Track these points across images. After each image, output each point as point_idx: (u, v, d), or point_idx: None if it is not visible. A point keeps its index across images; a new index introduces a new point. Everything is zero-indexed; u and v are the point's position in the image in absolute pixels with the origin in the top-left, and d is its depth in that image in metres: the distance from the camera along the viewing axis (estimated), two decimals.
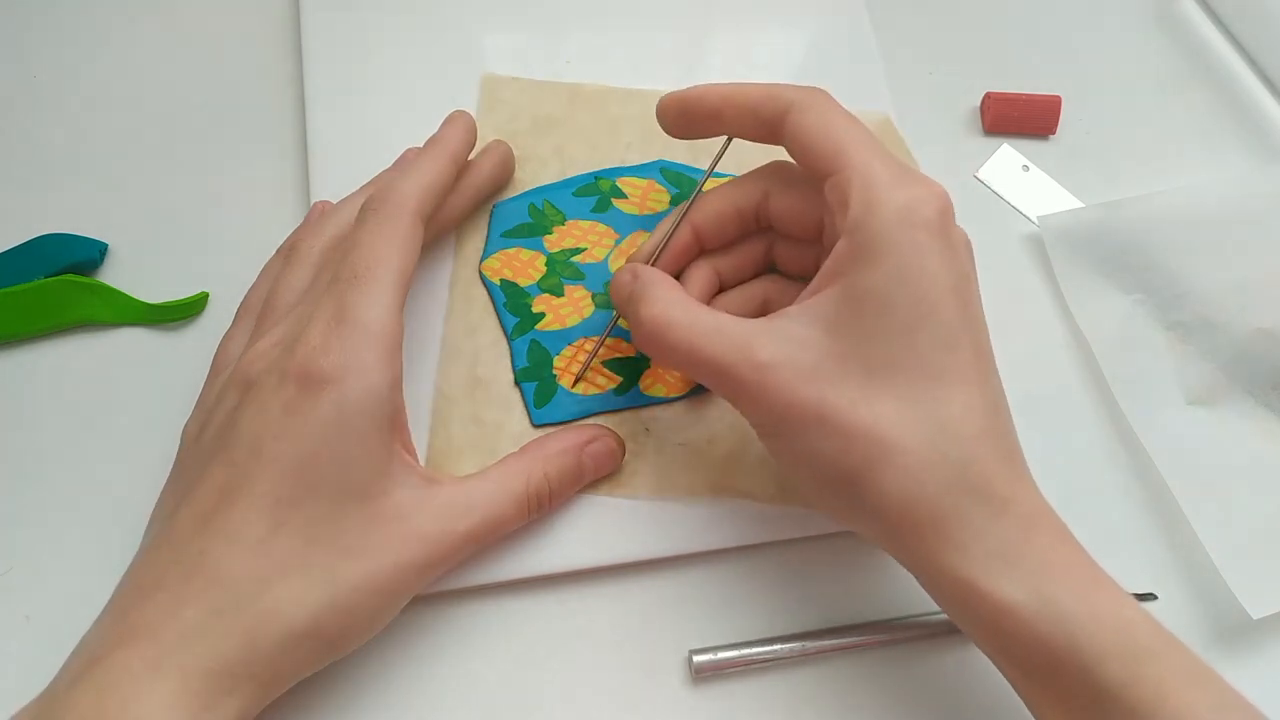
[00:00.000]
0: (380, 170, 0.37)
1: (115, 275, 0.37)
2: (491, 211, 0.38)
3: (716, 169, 0.34)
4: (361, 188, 0.36)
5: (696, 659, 0.32)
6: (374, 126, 0.39)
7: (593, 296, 0.37)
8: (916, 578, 0.29)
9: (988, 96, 0.44)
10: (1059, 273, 0.41)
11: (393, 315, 0.29)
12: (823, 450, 0.28)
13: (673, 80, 0.33)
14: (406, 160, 0.37)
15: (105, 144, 0.40)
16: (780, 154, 0.32)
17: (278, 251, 0.35)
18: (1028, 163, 0.44)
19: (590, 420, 0.35)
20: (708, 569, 0.34)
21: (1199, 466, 0.37)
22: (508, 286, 0.37)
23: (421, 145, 0.35)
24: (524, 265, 0.37)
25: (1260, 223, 0.42)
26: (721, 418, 0.35)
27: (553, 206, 0.38)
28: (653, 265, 0.33)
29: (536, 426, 0.35)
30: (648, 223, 0.38)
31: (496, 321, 0.36)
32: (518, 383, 0.35)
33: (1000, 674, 0.29)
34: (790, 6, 0.45)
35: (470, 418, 0.35)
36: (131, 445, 0.34)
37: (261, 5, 0.43)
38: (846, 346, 0.28)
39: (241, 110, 0.41)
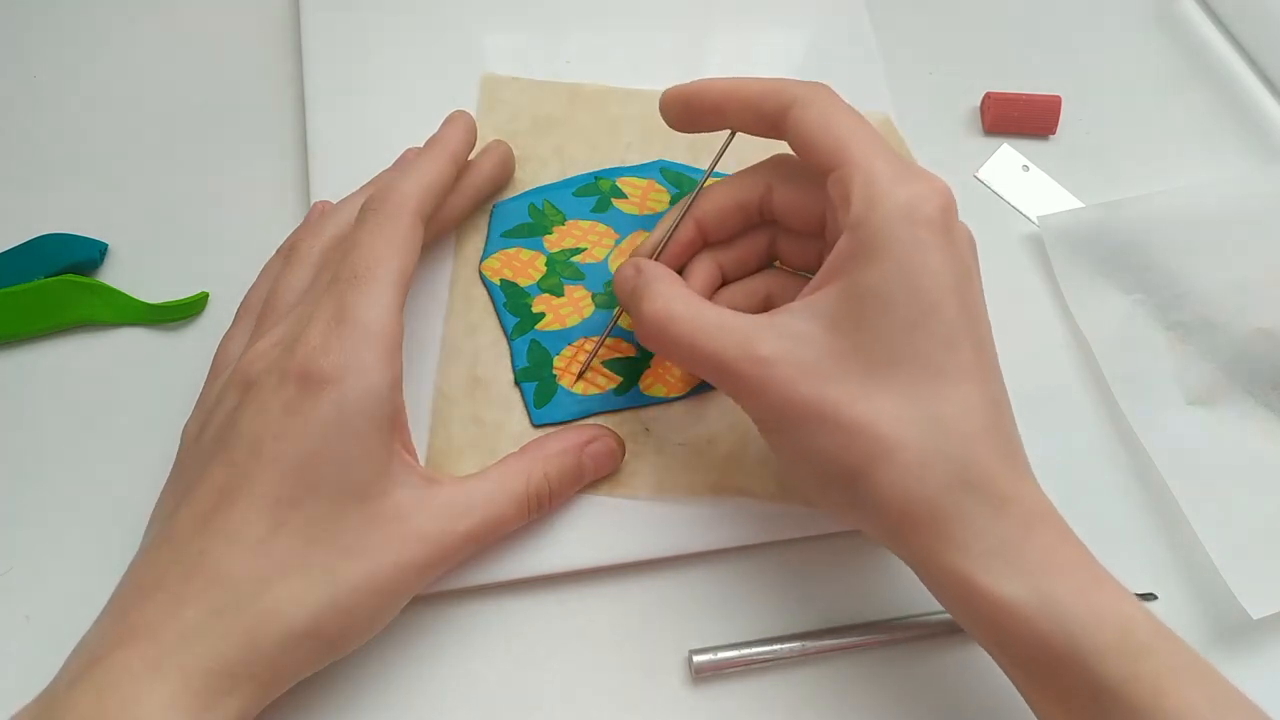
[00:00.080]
0: (380, 170, 0.37)
1: (115, 275, 0.37)
2: (491, 211, 0.38)
3: (717, 167, 0.34)
4: (361, 188, 0.36)
5: (696, 659, 0.32)
6: (374, 126, 0.39)
7: (593, 296, 0.37)
8: (917, 575, 0.29)
9: (988, 96, 0.44)
10: (1059, 273, 0.41)
11: (393, 315, 0.29)
12: (823, 447, 0.28)
13: (672, 80, 0.33)
14: (406, 160, 0.37)
15: (105, 144, 0.40)
16: (781, 148, 0.32)
17: (278, 251, 0.35)
18: (1028, 163, 0.44)
19: (590, 420, 0.35)
20: (708, 569, 0.34)
21: (1199, 466, 0.37)
22: (508, 286, 0.37)
23: (421, 145, 0.35)
24: (524, 265, 0.37)
25: (1260, 223, 0.42)
26: (721, 418, 0.35)
27: (553, 206, 0.38)
28: (656, 259, 0.33)
29: (536, 426, 0.35)
30: (648, 223, 0.38)
31: (496, 321, 0.36)
32: (518, 383, 0.35)
33: (1000, 674, 0.29)
34: (790, 6, 0.45)
35: (470, 418, 0.35)
36: (131, 445, 0.34)
37: (261, 5, 0.43)
38: (848, 343, 0.28)
39: (241, 110, 0.41)
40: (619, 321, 0.36)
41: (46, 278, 0.36)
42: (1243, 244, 0.41)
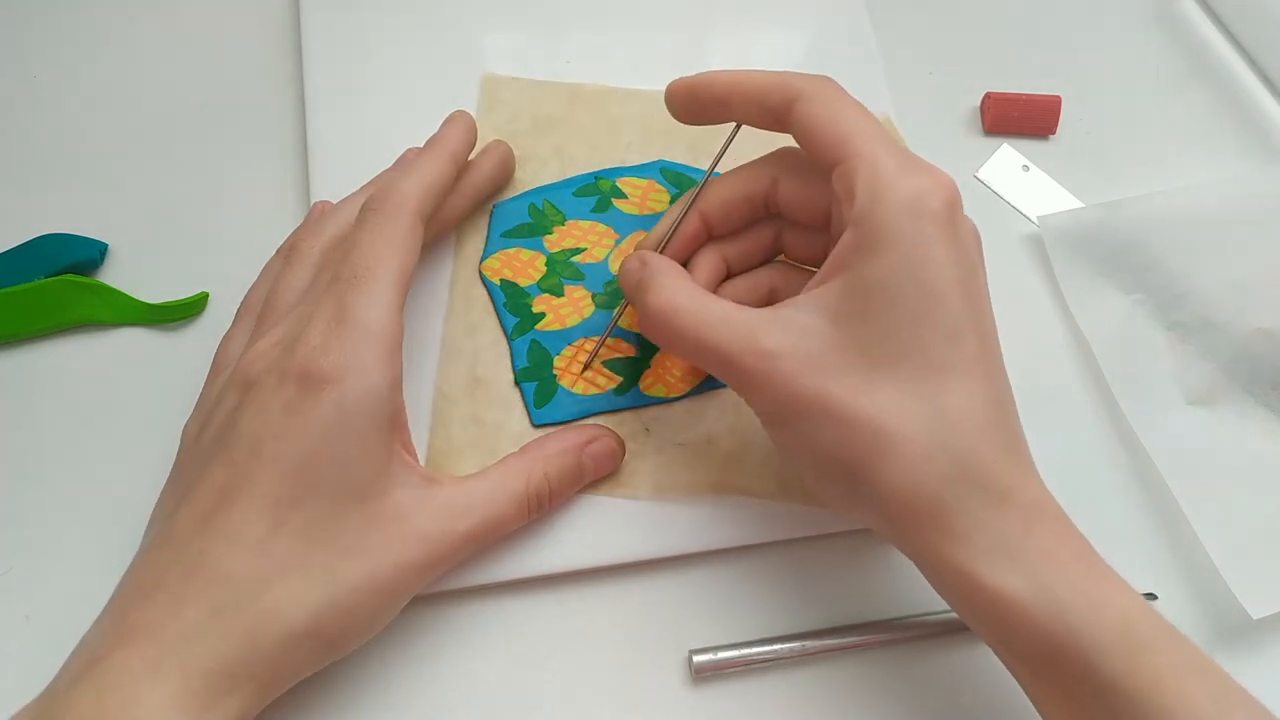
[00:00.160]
0: (380, 170, 0.37)
1: (115, 275, 0.37)
2: (491, 211, 0.38)
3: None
4: (361, 188, 0.36)
5: (696, 659, 0.32)
6: (374, 126, 0.39)
7: (593, 296, 0.37)
8: (919, 569, 0.29)
9: (988, 96, 0.44)
10: (1059, 273, 0.41)
11: (393, 315, 0.29)
12: (825, 440, 0.28)
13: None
14: (406, 160, 0.37)
15: (105, 144, 0.40)
16: (785, 141, 0.32)
17: (278, 251, 0.35)
18: (1028, 163, 0.44)
19: (590, 420, 0.35)
20: (708, 569, 0.34)
21: (1199, 466, 0.37)
22: (508, 286, 0.37)
23: (421, 145, 0.35)
24: (524, 265, 0.37)
25: (1260, 223, 0.42)
26: (721, 418, 0.35)
27: (553, 206, 0.38)
28: (661, 252, 0.33)
29: (536, 426, 0.35)
30: (647, 223, 0.38)
31: (496, 321, 0.36)
32: (518, 383, 0.35)
33: (1000, 673, 0.29)
34: (790, 6, 0.45)
35: (470, 418, 0.35)
36: (131, 445, 0.34)
37: (261, 5, 0.43)
38: (851, 337, 0.28)
39: (241, 110, 0.41)
40: (619, 321, 0.36)
41: (46, 278, 0.36)
42: (1243, 244, 0.41)
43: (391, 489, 0.29)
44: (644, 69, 0.41)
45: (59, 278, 0.36)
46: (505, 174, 0.38)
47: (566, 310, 0.37)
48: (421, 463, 0.34)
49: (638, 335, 0.36)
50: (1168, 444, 0.37)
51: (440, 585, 0.31)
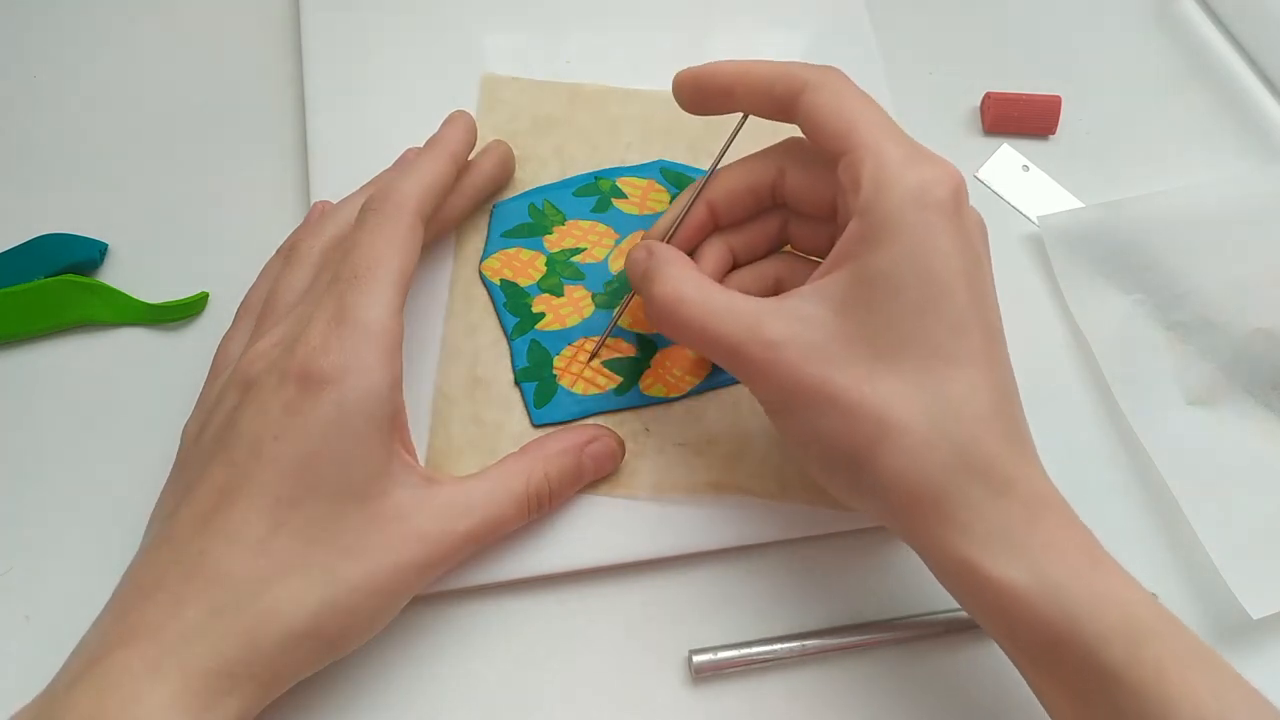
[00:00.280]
0: (380, 170, 0.37)
1: (115, 275, 0.37)
2: (491, 211, 0.38)
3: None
4: (361, 188, 0.36)
5: (696, 659, 0.32)
6: (374, 126, 0.39)
7: (593, 296, 0.37)
8: (922, 558, 0.29)
9: (988, 96, 0.44)
10: (1059, 273, 0.41)
11: (393, 315, 0.29)
12: (829, 429, 0.28)
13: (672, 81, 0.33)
14: (406, 160, 0.37)
15: (105, 144, 0.40)
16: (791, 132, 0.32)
17: (278, 251, 0.35)
18: (1028, 163, 0.44)
19: (590, 420, 0.35)
20: (708, 569, 0.34)
21: (1199, 466, 0.37)
22: (508, 286, 0.37)
23: (421, 145, 0.35)
24: (524, 265, 0.37)
25: (1260, 223, 0.42)
26: (721, 418, 0.35)
27: (553, 206, 0.38)
28: (668, 242, 0.33)
29: (536, 426, 0.35)
30: (647, 223, 0.38)
31: (496, 321, 0.36)
32: (518, 383, 0.35)
33: (999, 673, 0.29)
34: (790, 6, 0.45)
35: (470, 418, 0.35)
36: (131, 445, 0.34)
37: (261, 5, 0.43)
38: (856, 327, 0.28)
39: (241, 110, 0.41)
40: (619, 321, 0.36)
41: (46, 278, 0.36)
42: (1243, 244, 0.41)
43: (391, 489, 0.29)
44: (644, 69, 0.41)
45: (59, 278, 0.36)
46: (505, 174, 0.38)
47: (566, 310, 0.37)
48: (421, 463, 0.34)
49: (638, 335, 0.36)
50: (1168, 444, 0.37)
51: (440, 585, 0.31)
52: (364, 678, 0.31)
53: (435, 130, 0.35)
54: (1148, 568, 0.36)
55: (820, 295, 0.29)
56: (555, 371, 0.35)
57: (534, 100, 0.41)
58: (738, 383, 0.36)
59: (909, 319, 0.28)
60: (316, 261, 0.33)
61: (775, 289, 0.34)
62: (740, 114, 0.33)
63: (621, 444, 0.34)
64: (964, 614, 0.33)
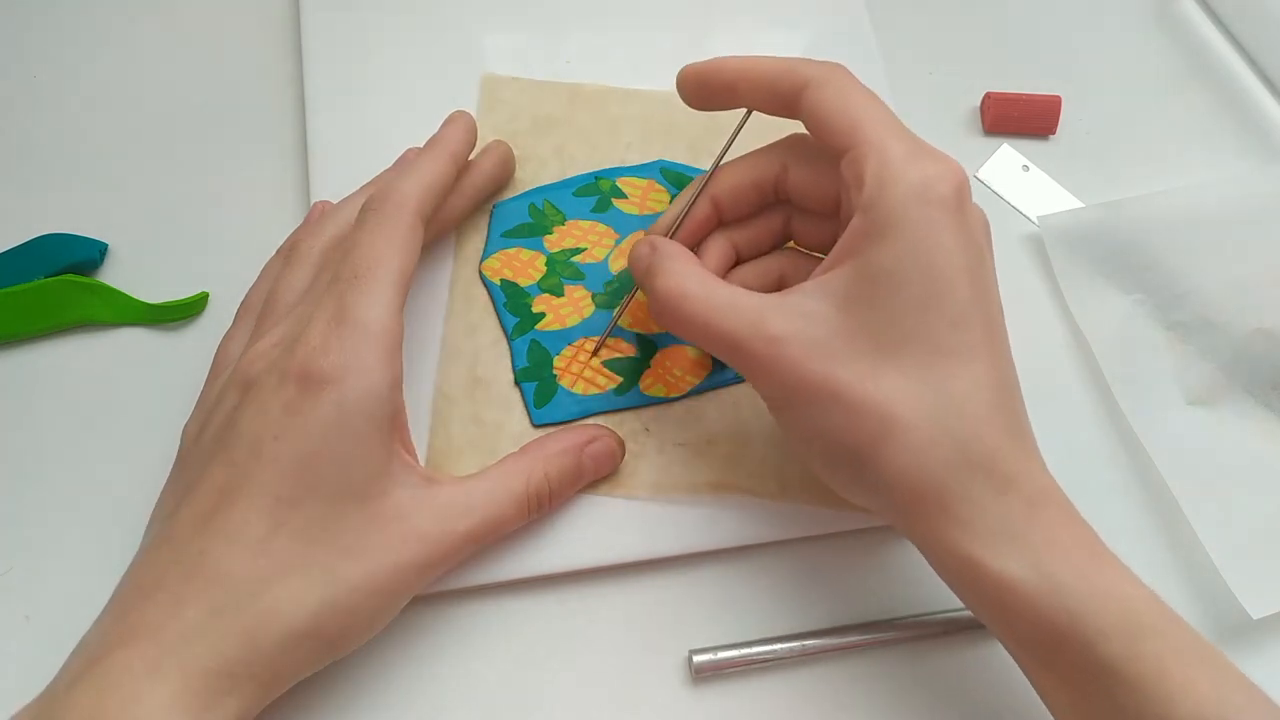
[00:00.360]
0: (380, 170, 0.37)
1: (115, 275, 0.37)
2: (491, 211, 0.38)
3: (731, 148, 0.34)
4: (361, 188, 0.36)
5: (696, 659, 0.32)
6: (374, 126, 0.39)
7: (593, 296, 0.37)
8: (924, 554, 0.29)
9: (988, 96, 0.44)
10: (1059, 273, 0.41)
11: (393, 315, 0.29)
12: (831, 425, 0.28)
13: (672, 80, 0.33)
14: (407, 160, 0.37)
15: (105, 144, 0.40)
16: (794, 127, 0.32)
17: (278, 251, 0.35)
18: (1028, 163, 0.44)
19: (590, 420, 0.35)
20: (708, 569, 0.34)
21: (1199, 466, 0.37)
22: (508, 286, 0.37)
23: (421, 145, 0.35)
24: (524, 265, 0.37)
25: (1260, 223, 0.42)
26: (721, 418, 0.35)
27: (553, 206, 0.38)
28: (671, 237, 0.33)
29: (536, 426, 0.35)
30: (647, 223, 0.38)
31: (496, 321, 0.36)
32: (518, 383, 0.35)
33: (1000, 673, 0.29)
34: (790, 6, 0.45)
35: (470, 418, 0.35)
36: (131, 445, 0.34)
37: (261, 5, 0.43)
38: (858, 323, 0.28)
39: (241, 110, 0.41)
40: (619, 321, 0.36)
41: (46, 278, 0.36)
42: (1243, 244, 0.41)
43: (391, 489, 0.29)
44: (644, 69, 0.41)
45: (59, 278, 0.36)
46: (505, 174, 0.38)
47: (566, 310, 0.37)
48: (421, 463, 0.34)
49: (638, 335, 0.36)
50: (1168, 444, 0.37)
51: (440, 585, 0.31)
52: (364, 678, 0.31)
53: (435, 130, 0.35)
54: (1148, 568, 0.36)
55: (823, 291, 0.29)
56: (555, 371, 0.35)
57: (534, 100, 0.41)
58: (738, 383, 0.36)
59: (912, 315, 0.28)
60: (316, 261, 0.33)
61: (778, 285, 0.34)
62: (744, 110, 0.33)
63: (621, 444, 0.34)
64: (964, 614, 0.33)
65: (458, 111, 0.36)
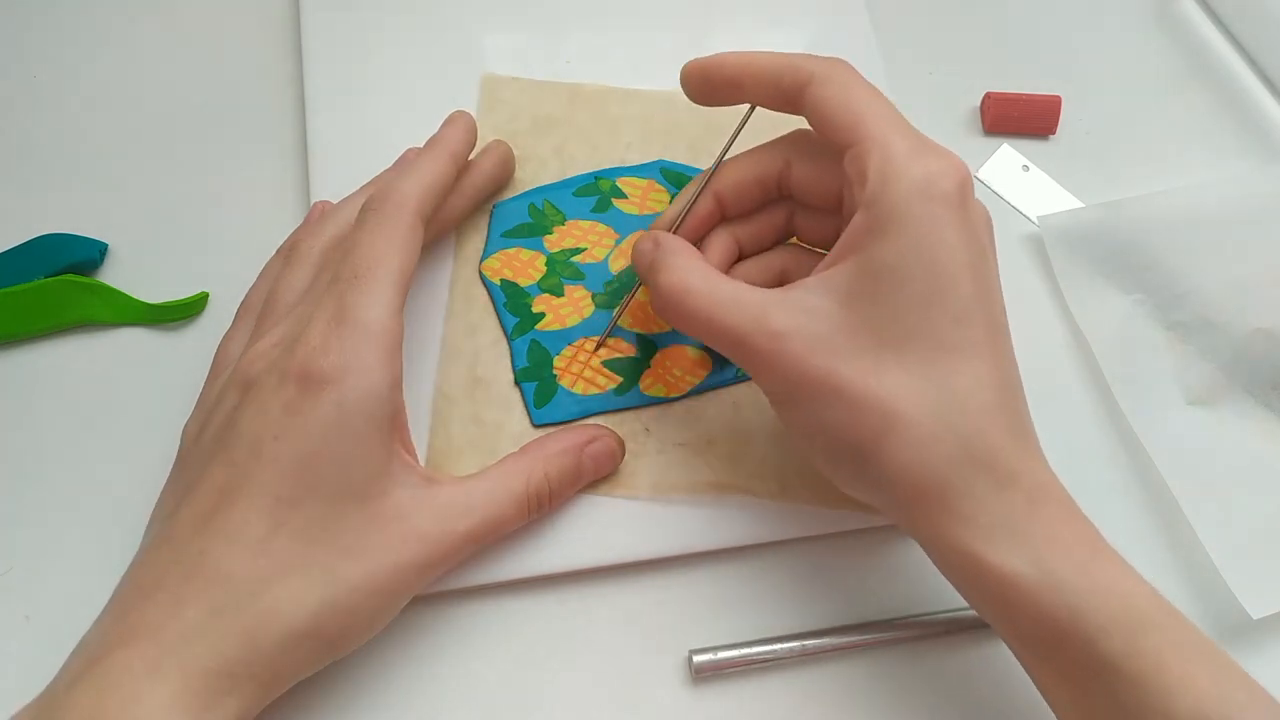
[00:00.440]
0: (380, 170, 0.37)
1: (115, 275, 0.37)
2: (491, 211, 0.38)
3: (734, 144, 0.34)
4: (361, 188, 0.36)
5: (696, 659, 0.32)
6: (374, 126, 0.39)
7: (593, 296, 0.37)
8: (925, 550, 0.29)
9: (988, 96, 0.44)
10: (1059, 272, 0.41)
11: (393, 315, 0.29)
12: (833, 420, 0.28)
13: (672, 81, 0.33)
14: (407, 160, 0.37)
15: (105, 144, 0.40)
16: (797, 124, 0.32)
17: (278, 251, 0.35)
18: (1028, 163, 0.44)
19: (590, 420, 0.35)
20: (708, 569, 0.34)
21: (1199, 466, 0.37)
22: (508, 286, 0.37)
23: (421, 145, 0.35)
24: (524, 265, 0.37)
25: (1260, 223, 0.42)
26: (721, 418, 0.35)
27: (553, 206, 0.38)
28: (674, 233, 0.33)
29: (536, 426, 0.35)
30: (647, 223, 0.38)
31: (496, 321, 0.36)
32: (518, 383, 0.35)
33: (999, 673, 0.29)
34: (790, 6, 0.45)
35: (470, 418, 0.35)
36: (131, 445, 0.34)
37: (261, 5, 0.43)
38: (861, 319, 0.28)
39: (241, 110, 0.41)
40: (619, 321, 0.36)
41: (46, 278, 0.36)
42: (1243, 244, 0.41)
43: (391, 489, 0.29)
44: (644, 69, 0.41)
45: (59, 278, 0.36)
46: (505, 174, 0.38)
47: (566, 310, 0.37)
48: (421, 463, 0.34)
49: (638, 335, 0.36)
50: (1168, 444, 0.37)
51: (440, 585, 0.31)
52: (364, 678, 0.31)
53: (435, 130, 0.35)
54: (1148, 568, 0.36)
55: (826, 287, 0.29)
56: (555, 371, 0.35)
57: (534, 100, 0.41)
58: (737, 383, 0.36)
59: (914, 311, 0.28)
60: (316, 261, 0.33)
61: (781, 280, 0.34)
62: (747, 105, 0.33)
63: (621, 444, 0.34)
64: (964, 614, 0.33)
65: (458, 111, 0.36)
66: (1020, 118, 0.44)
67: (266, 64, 0.42)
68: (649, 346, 0.36)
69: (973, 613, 0.33)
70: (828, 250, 0.30)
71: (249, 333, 0.32)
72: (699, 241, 0.34)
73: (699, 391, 0.36)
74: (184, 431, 0.31)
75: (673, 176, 0.39)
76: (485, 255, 0.37)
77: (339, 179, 0.37)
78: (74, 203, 0.38)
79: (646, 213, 0.39)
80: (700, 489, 0.34)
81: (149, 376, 0.36)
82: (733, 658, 0.32)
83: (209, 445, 0.29)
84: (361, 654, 0.30)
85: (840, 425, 0.28)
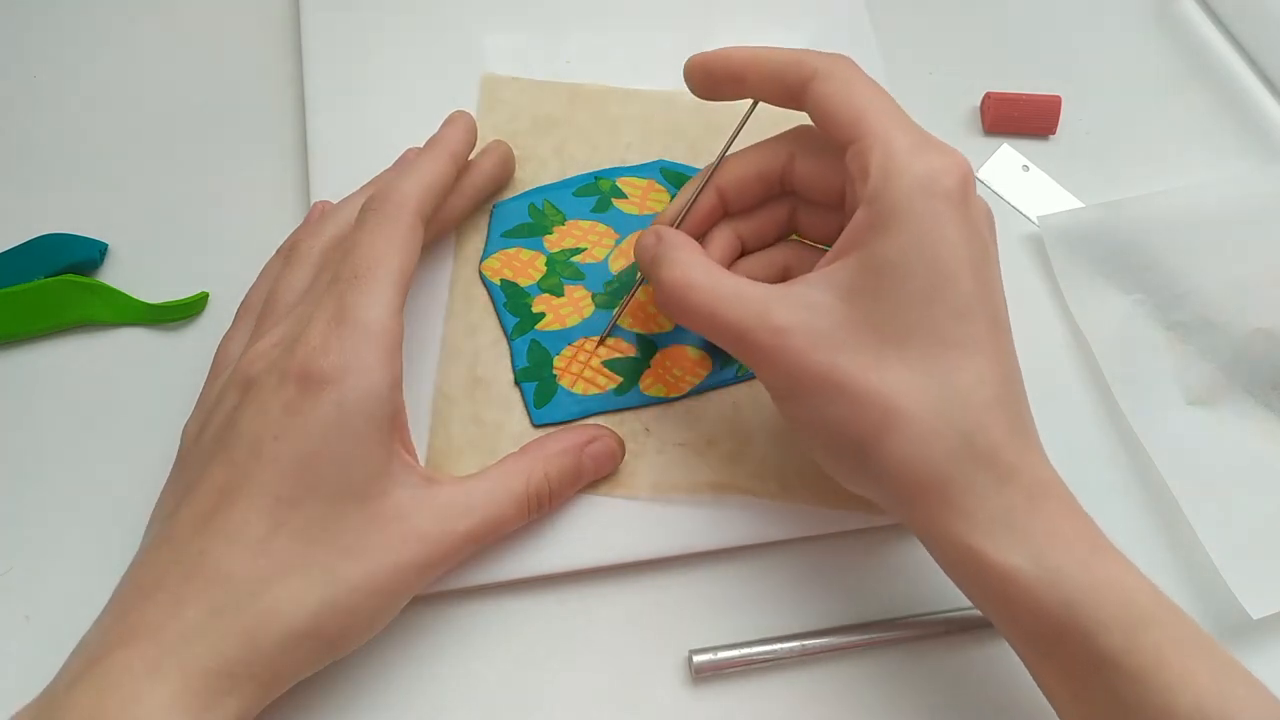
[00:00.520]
0: (380, 170, 0.37)
1: (115, 275, 0.37)
2: (491, 211, 0.38)
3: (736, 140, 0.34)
4: (361, 188, 0.36)
5: (696, 659, 0.32)
6: (374, 126, 0.39)
7: (593, 296, 0.37)
8: (925, 545, 0.29)
9: (988, 96, 0.44)
10: (1059, 272, 0.41)
11: (393, 315, 0.29)
12: (834, 415, 0.28)
13: (672, 81, 0.33)
14: (407, 160, 0.37)
15: (105, 144, 0.40)
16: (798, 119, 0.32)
17: (278, 251, 0.35)
18: (1028, 163, 0.44)
19: (590, 420, 0.35)
20: (708, 569, 0.34)
21: (1199, 466, 0.37)
22: (508, 286, 0.37)
23: (421, 145, 0.35)
24: (524, 265, 0.37)
25: (1260, 223, 0.42)
26: (721, 418, 0.35)
27: (553, 206, 0.38)
28: (677, 228, 0.33)
29: (536, 426, 0.35)
30: (647, 223, 0.38)
31: (496, 321, 0.36)
32: (518, 383, 0.35)
33: (999, 673, 0.29)
34: (790, 6, 0.45)
35: (470, 418, 0.35)
36: (131, 445, 0.34)
37: (261, 5, 0.43)
38: (862, 314, 0.28)
39: (241, 110, 0.41)
40: (619, 321, 0.36)
41: (46, 278, 0.36)
42: (1243, 244, 0.41)
43: (391, 489, 0.29)
44: (644, 69, 0.41)
45: (59, 278, 0.36)
46: (505, 174, 0.38)
47: (566, 310, 0.37)
48: (421, 463, 0.34)
49: (638, 335, 0.36)
50: (1168, 444, 0.37)
51: (440, 585, 0.31)
52: (364, 678, 0.31)
53: (435, 130, 0.35)
54: (1148, 568, 0.36)
55: (828, 282, 0.29)
56: (555, 371, 0.35)
57: (534, 100, 0.41)
58: (737, 383, 0.36)
59: (916, 307, 0.28)
60: (316, 261, 0.33)
61: (783, 276, 0.34)
62: (749, 100, 0.33)
63: (621, 444, 0.34)
64: (964, 614, 0.33)
65: (458, 111, 0.36)
66: (1020, 118, 0.44)
67: (266, 64, 0.42)
68: (649, 346, 0.36)
69: (973, 613, 0.33)
70: (830, 246, 0.31)
71: (249, 333, 0.32)
72: (701, 237, 0.34)
73: (699, 391, 0.36)
74: (184, 431, 0.31)
75: (673, 176, 0.39)
76: (485, 255, 0.37)
77: (339, 179, 0.37)
78: (74, 203, 0.38)
79: (646, 213, 0.39)
80: (700, 489, 0.34)
81: (149, 376, 0.36)
82: (733, 658, 0.32)
83: (209, 445, 0.29)
84: (361, 654, 0.30)
85: (841, 420, 0.28)
